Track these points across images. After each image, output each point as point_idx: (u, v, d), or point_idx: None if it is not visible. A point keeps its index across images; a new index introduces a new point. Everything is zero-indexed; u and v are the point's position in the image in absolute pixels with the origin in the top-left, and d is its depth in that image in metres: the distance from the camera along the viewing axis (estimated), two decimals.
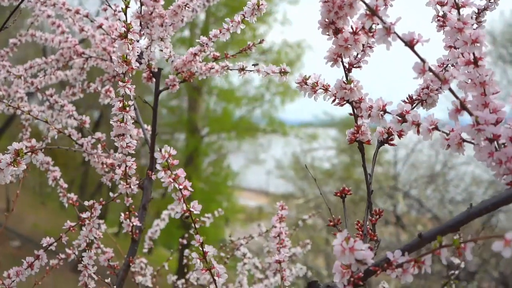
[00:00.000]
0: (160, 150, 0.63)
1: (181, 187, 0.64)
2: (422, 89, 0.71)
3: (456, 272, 1.13)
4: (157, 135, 1.09)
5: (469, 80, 0.57)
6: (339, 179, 8.61)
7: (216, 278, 0.66)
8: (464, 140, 0.56)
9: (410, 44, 0.52)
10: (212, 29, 0.95)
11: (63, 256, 1.06)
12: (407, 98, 0.71)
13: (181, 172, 0.64)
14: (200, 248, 0.67)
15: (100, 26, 1.04)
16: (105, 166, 1.04)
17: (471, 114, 0.53)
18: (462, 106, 0.53)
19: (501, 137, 0.54)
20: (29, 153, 0.68)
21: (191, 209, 0.65)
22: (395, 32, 0.52)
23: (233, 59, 1.03)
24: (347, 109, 0.70)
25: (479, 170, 6.64)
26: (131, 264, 1.01)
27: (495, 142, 0.53)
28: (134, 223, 1.00)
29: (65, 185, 1.12)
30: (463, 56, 0.56)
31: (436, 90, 0.70)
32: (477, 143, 0.54)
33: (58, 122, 1.24)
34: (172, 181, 0.64)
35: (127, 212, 0.99)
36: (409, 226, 6.38)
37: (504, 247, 0.41)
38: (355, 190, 7.63)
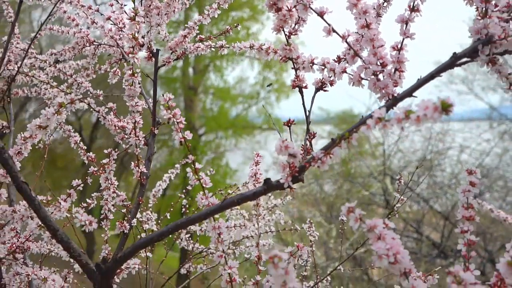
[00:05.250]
0: (163, 95, 0.91)
1: (178, 120, 0.92)
2: (346, 50, 0.99)
3: (399, 205, 1.41)
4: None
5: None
6: (336, 172, 8.88)
7: (204, 185, 0.95)
8: (362, 78, 0.85)
9: (320, 14, 0.80)
10: (207, 29, 1.23)
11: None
12: (336, 57, 1.00)
13: (177, 111, 0.93)
14: (193, 165, 0.95)
15: (108, 18, 1.32)
16: (116, 128, 1.32)
17: (361, 59, 0.81)
18: (355, 54, 0.82)
19: (384, 73, 0.83)
20: (69, 104, 0.97)
21: (185, 136, 0.93)
22: (310, 7, 0.80)
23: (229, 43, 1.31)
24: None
25: (465, 155, 6.95)
26: (140, 202, 1.29)
27: (378, 76, 0.81)
28: (142, 170, 1.28)
29: (85, 147, 1.40)
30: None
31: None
32: (368, 78, 0.83)
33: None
34: (171, 116, 0.92)
35: (136, 161, 1.27)
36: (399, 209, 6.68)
37: (366, 130, 0.69)
38: (351, 182, 7.93)
